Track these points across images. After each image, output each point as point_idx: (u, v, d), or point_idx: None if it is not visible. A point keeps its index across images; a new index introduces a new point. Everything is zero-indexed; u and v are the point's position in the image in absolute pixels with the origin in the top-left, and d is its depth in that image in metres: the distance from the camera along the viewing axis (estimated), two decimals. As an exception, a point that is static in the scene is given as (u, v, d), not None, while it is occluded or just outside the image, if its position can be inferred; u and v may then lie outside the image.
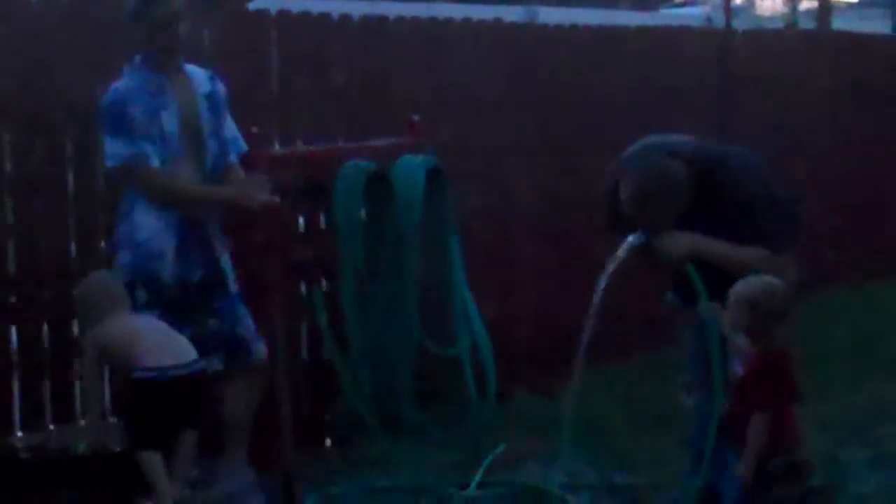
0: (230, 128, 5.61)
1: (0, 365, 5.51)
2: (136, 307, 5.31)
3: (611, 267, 5.16)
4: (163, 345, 5.15)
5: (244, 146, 5.66)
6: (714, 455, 5.10)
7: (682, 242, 5.07)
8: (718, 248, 5.05)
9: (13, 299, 5.64)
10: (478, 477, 5.91)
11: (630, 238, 5.15)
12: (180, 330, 5.39)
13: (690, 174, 5.11)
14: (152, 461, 5.05)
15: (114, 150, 5.30)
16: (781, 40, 11.38)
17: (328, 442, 6.50)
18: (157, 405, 5.08)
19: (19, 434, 5.38)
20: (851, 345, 7.97)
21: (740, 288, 4.76)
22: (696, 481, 5.21)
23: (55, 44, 5.74)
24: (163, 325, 5.25)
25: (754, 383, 4.70)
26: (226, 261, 5.55)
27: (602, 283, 5.18)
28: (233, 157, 5.61)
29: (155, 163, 5.33)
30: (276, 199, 5.59)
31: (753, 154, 5.36)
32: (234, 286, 5.56)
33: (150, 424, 5.09)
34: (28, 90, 5.56)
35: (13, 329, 5.68)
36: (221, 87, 5.60)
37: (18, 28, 5.68)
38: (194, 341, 5.45)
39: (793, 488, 4.68)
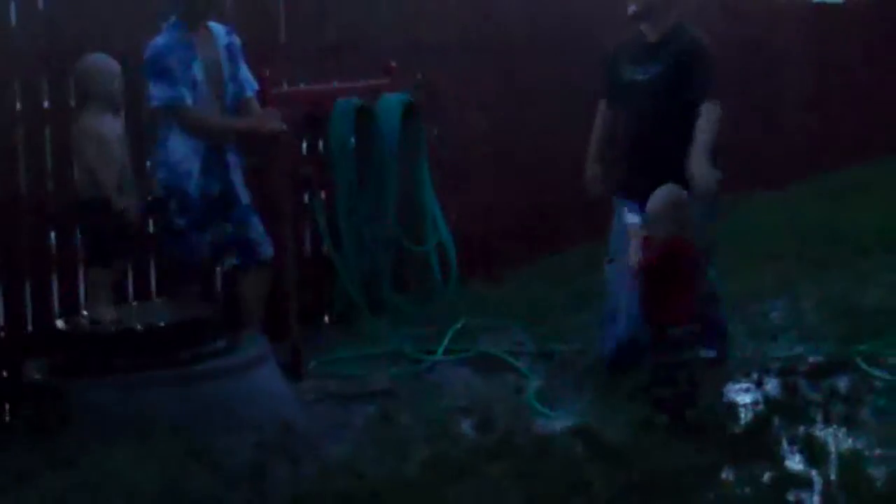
0: (244, 70, 5.50)
1: (68, 258, 5.40)
2: (169, 214, 5.25)
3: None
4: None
5: (256, 84, 5.55)
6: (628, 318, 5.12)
7: (710, 175, 4.98)
8: (706, 143, 5.03)
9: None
10: (443, 345, 5.94)
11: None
12: (202, 233, 5.34)
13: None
14: (101, 276, 4.91)
15: (157, 92, 5.19)
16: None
17: (326, 319, 6.47)
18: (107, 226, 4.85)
19: (84, 313, 5.25)
20: (734, 242, 7.98)
21: (654, 201, 4.75)
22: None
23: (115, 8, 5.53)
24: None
25: (660, 258, 4.70)
26: (238, 178, 5.45)
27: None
28: (249, 93, 5.50)
29: (189, 102, 5.25)
30: (285, 127, 5.52)
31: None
32: (245, 198, 5.45)
33: (102, 243, 4.88)
34: (88, 43, 5.33)
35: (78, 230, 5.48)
36: (237, 39, 5.47)
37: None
38: (213, 243, 5.42)
39: (688, 353, 4.73)
